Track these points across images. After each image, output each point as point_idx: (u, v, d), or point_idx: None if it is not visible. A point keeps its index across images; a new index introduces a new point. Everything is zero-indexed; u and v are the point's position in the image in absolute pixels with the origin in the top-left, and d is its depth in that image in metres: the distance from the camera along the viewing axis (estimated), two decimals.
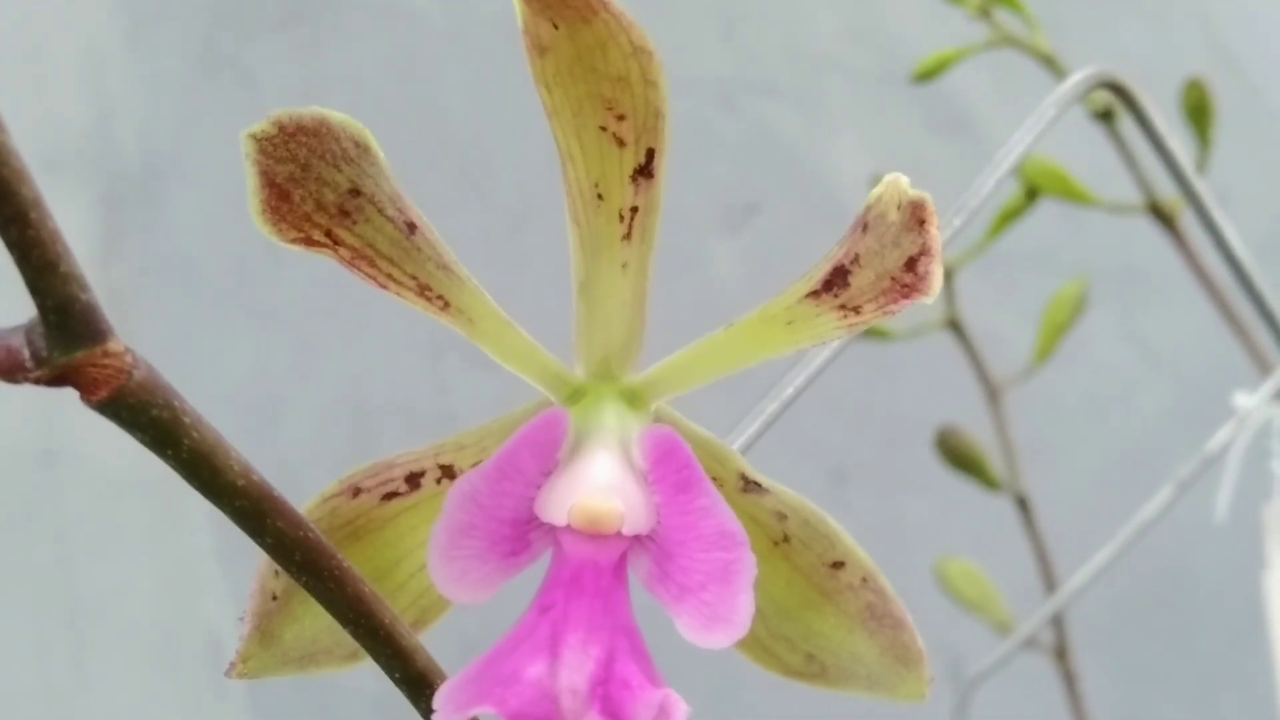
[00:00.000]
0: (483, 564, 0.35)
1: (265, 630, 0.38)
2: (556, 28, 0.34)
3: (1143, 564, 1.00)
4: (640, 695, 0.33)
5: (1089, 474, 1.44)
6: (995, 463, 0.96)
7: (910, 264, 0.33)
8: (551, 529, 0.35)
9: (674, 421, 0.38)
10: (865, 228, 0.34)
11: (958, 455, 0.94)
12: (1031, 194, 0.93)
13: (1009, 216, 0.94)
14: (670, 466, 0.35)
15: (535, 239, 1.29)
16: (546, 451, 0.36)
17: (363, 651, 0.36)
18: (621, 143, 0.35)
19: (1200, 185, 0.62)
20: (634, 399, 0.38)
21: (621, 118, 0.35)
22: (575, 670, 0.33)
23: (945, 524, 1.34)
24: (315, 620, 0.38)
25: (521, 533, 0.35)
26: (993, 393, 0.97)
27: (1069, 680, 0.95)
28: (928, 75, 0.89)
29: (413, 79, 1.32)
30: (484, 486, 0.34)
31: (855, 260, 0.34)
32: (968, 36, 0.92)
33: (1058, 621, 0.94)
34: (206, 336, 1.24)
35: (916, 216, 0.33)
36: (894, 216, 0.33)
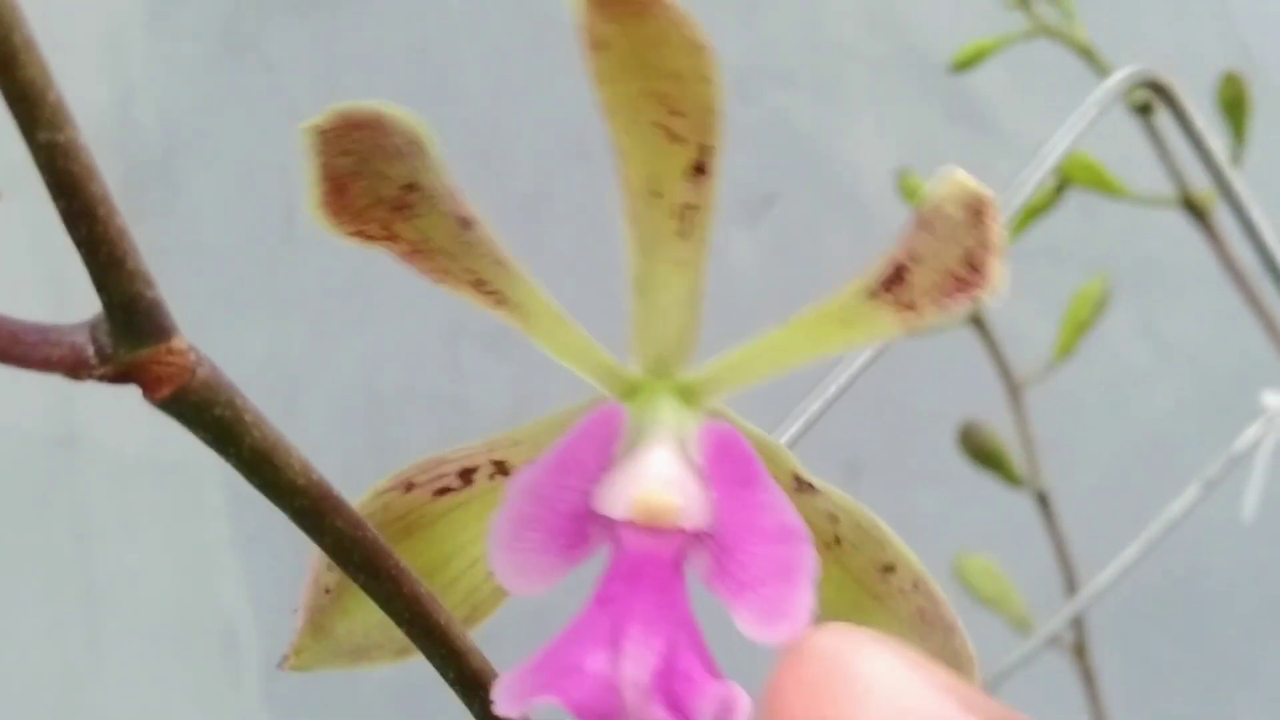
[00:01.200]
0: (543, 556, 0.34)
1: (318, 624, 0.38)
2: (613, 23, 0.34)
3: (1161, 561, 1.00)
4: (703, 688, 0.33)
5: (1106, 469, 1.44)
6: (1016, 458, 0.96)
7: (971, 261, 0.33)
8: (610, 523, 0.35)
9: (729, 419, 0.38)
10: (924, 225, 0.33)
11: (981, 451, 0.94)
12: (1061, 187, 0.93)
13: (1037, 210, 0.93)
14: (729, 462, 0.35)
15: (553, 224, 1.29)
16: (604, 445, 0.35)
17: (412, 648, 0.36)
18: (677, 139, 0.35)
19: (1238, 180, 0.61)
20: (689, 396, 0.37)
21: (677, 114, 0.35)
22: (638, 663, 0.33)
23: (960, 518, 1.34)
24: (368, 615, 0.38)
25: (580, 526, 0.35)
26: (1014, 390, 0.97)
27: (1088, 678, 0.95)
28: (965, 65, 0.89)
29: (432, 63, 1.32)
30: (545, 479, 0.34)
31: (914, 258, 0.34)
32: (990, 25, 0.92)
33: (1077, 619, 0.94)
34: (223, 320, 1.24)
35: (976, 211, 0.32)
36: (954, 213, 0.33)
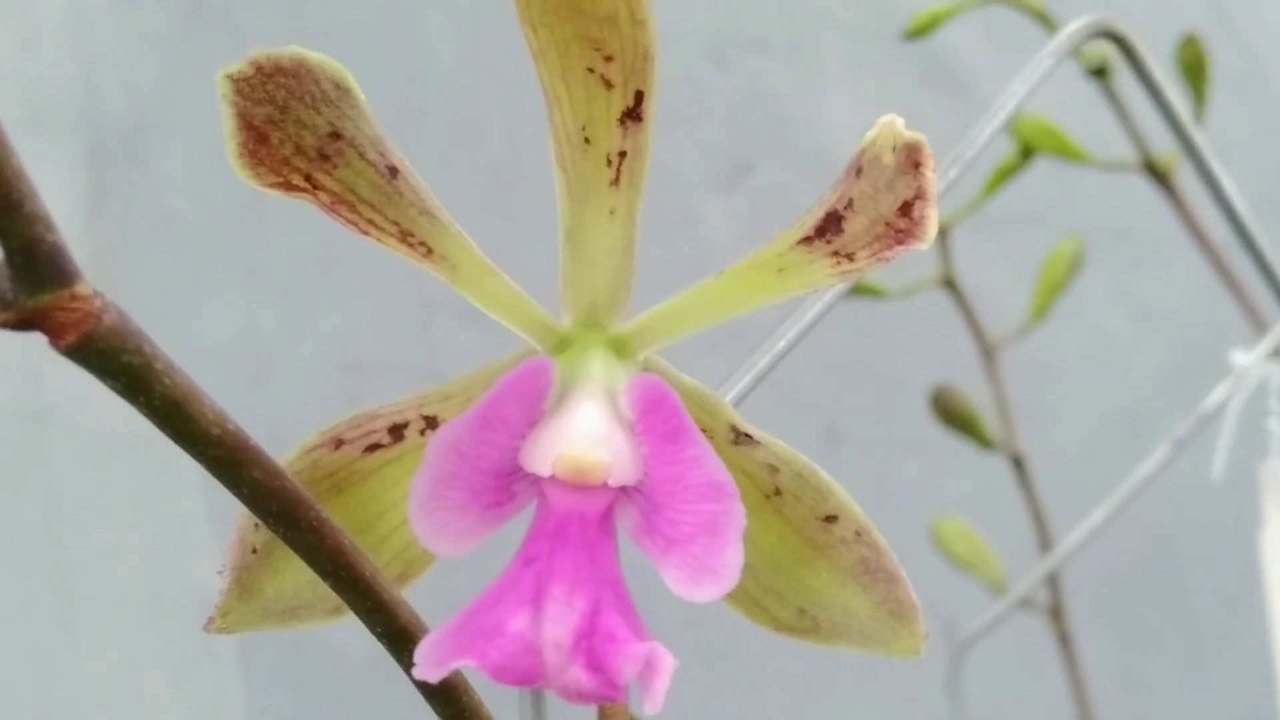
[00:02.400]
0: (465, 515, 0.34)
1: (245, 584, 0.37)
2: None
3: (1137, 525, 1.00)
4: (625, 648, 0.32)
5: (1083, 434, 1.43)
6: (990, 422, 0.96)
7: (905, 208, 0.32)
8: (536, 480, 0.34)
9: (663, 371, 0.37)
10: (859, 171, 0.33)
11: (952, 414, 0.94)
12: (1026, 152, 0.92)
13: (1004, 175, 0.93)
14: (658, 416, 0.34)
15: (525, 195, 1.28)
16: (532, 401, 0.35)
17: (344, 607, 0.35)
18: (609, 85, 0.34)
19: (1199, 138, 0.61)
20: (622, 348, 0.37)
21: (609, 59, 0.34)
22: (559, 623, 0.32)
23: (939, 484, 1.34)
24: (297, 574, 0.37)
25: (505, 484, 0.34)
26: (988, 352, 0.96)
27: (1064, 640, 0.94)
28: (921, 31, 0.88)
29: (401, 33, 1.31)
30: (467, 436, 0.34)
31: (849, 205, 0.33)
32: None
33: (1053, 582, 0.93)
34: (194, 295, 1.23)
35: (912, 159, 0.32)
36: (889, 160, 0.32)
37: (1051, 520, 0.96)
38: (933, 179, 0.32)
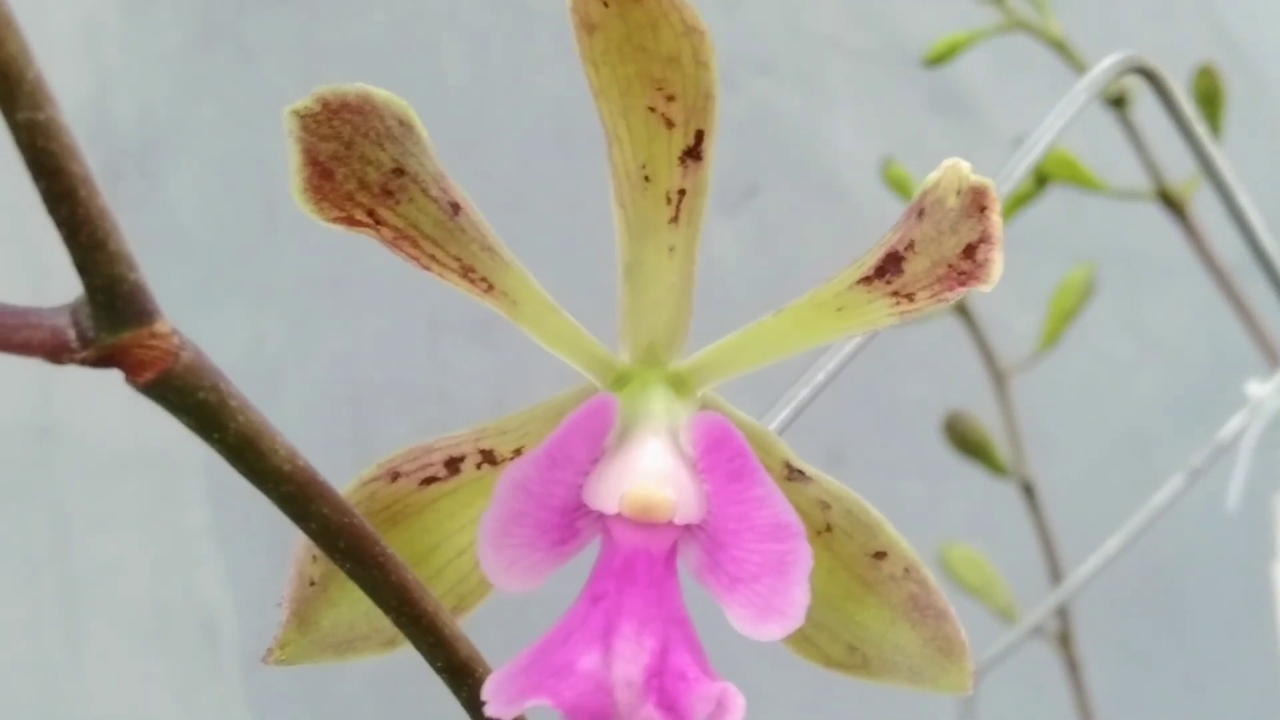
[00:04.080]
0: (532, 552, 0.34)
1: (303, 616, 0.37)
2: (606, 5, 0.33)
3: (1142, 551, 1.00)
4: (697, 688, 0.32)
5: (1088, 459, 1.44)
6: (1000, 448, 0.96)
7: (969, 251, 0.33)
8: (601, 517, 0.34)
9: (720, 408, 0.37)
10: (922, 213, 0.33)
11: (966, 441, 0.94)
12: (1042, 180, 0.93)
13: (1019, 202, 0.93)
14: (722, 455, 0.34)
15: (535, 214, 1.29)
16: (595, 438, 0.35)
17: (400, 638, 0.35)
18: (670, 124, 0.35)
19: (1226, 169, 0.61)
20: (681, 385, 0.37)
21: (671, 98, 0.34)
22: (630, 662, 0.32)
23: (944, 508, 1.34)
24: (353, 606, 0.37)
25: (570, 520, 0.34)
26: (999, 378, 0.96)
27: (1072, 668, 0.94)
28: (939, 59, 0.89)
29: (412, 53, 1.31)
30: (534, 474, 0.34)
31: (910, 246, 0.33)
32: (970, 16, 0.92)
33: (1062, 609, 0.93)
34: (203, 312, 1.23)
35: (978, 203, 0.32)
36: (953, 202, 0.32)
37: (1059, 545, 0.96)
38: (999, 223, 0.32)
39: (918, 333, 1.04)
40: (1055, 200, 1.05)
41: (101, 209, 0.27)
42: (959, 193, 0.32)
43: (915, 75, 1.43)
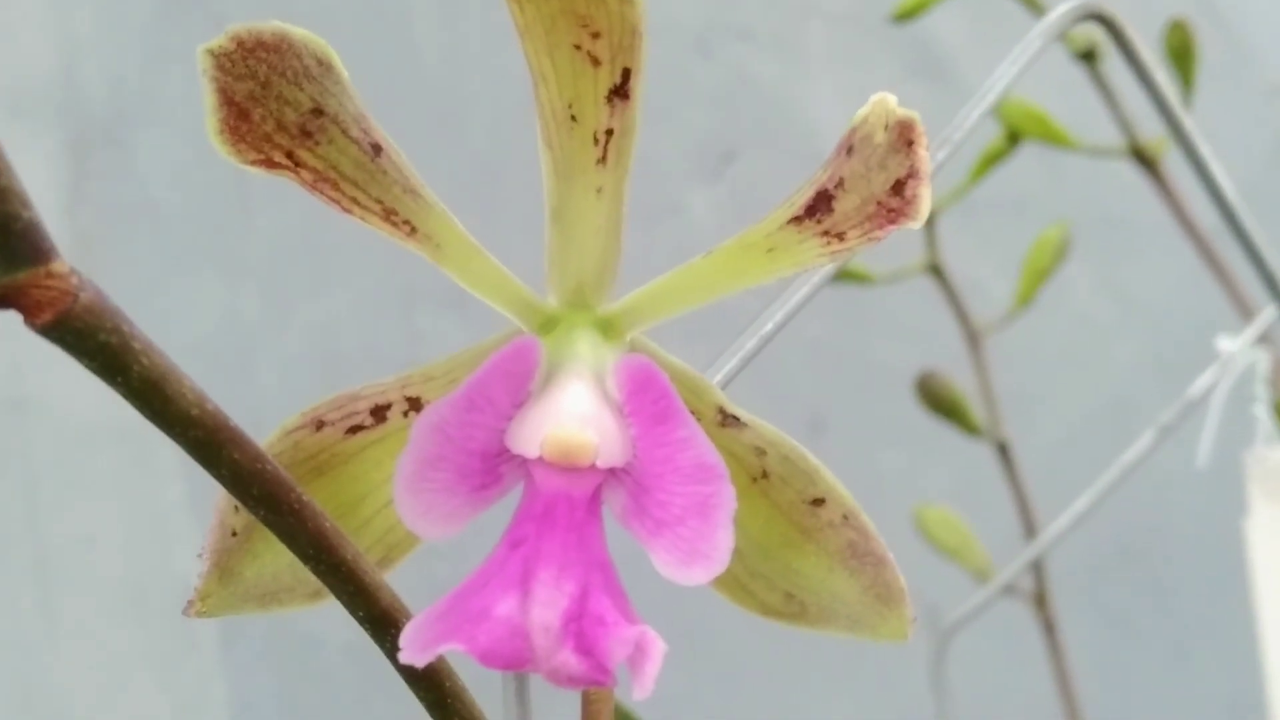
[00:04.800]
0: (451, 497, 0.33)
1: (225, 567, 0.37)
2: None
3: (1120, 512, 0.99)
4: (615, 632, 0.32)
5: (1067, 422, 1.43)
6: (976, 409, 0.95)
7: (897, 187, 0.32)
8: (523, 462, 0.34)
9: (650, 352, 0.37)
10: (850, 150, 0.32)
11: (938, 400, 0.93)
12: (1013, 138, 0.92)
13: (991, 160, 0.93)
14: (647, 397, 0.34)
15: (509, 186, 1.28)
16: (518, 382, 0.34)
17: (325, 591, 0.35)
18: (596, 62, 0.34)
19: (1188, 122, 0.60)
20: (609, 329, 0.36)
21: (596, 35, 0.34)
22: (548, 607, 0.32)
23: (924, 473, 1.34)
24: (277, 558, 0.37)
25: (491, 465, 0.34)
26: (973, 338, 0.96)
27: (1048, 628, 0.94)
28: (908, 15, 0.88)
29: (387, 22, 1.30)
30: (452, 417, 0.33)
31: (839, 184, 0.33)
32: None
33: (1037, 569, 0.93)
34: (176, 284, 1.22)
35: (905, 137, 0.31)
36: (881, 138, 0.32)
37: (1036, 508, 0.96)
38: (926, 157, 0.31)
39: (895, 297, 1.03)
40: (1033, 163, 1.04)
41: None
42: (886, 127, 0.31)
43: (894, 40, 1.43)
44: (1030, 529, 0.94)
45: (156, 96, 1.23)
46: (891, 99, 0.32)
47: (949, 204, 0.93)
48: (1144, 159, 0.90)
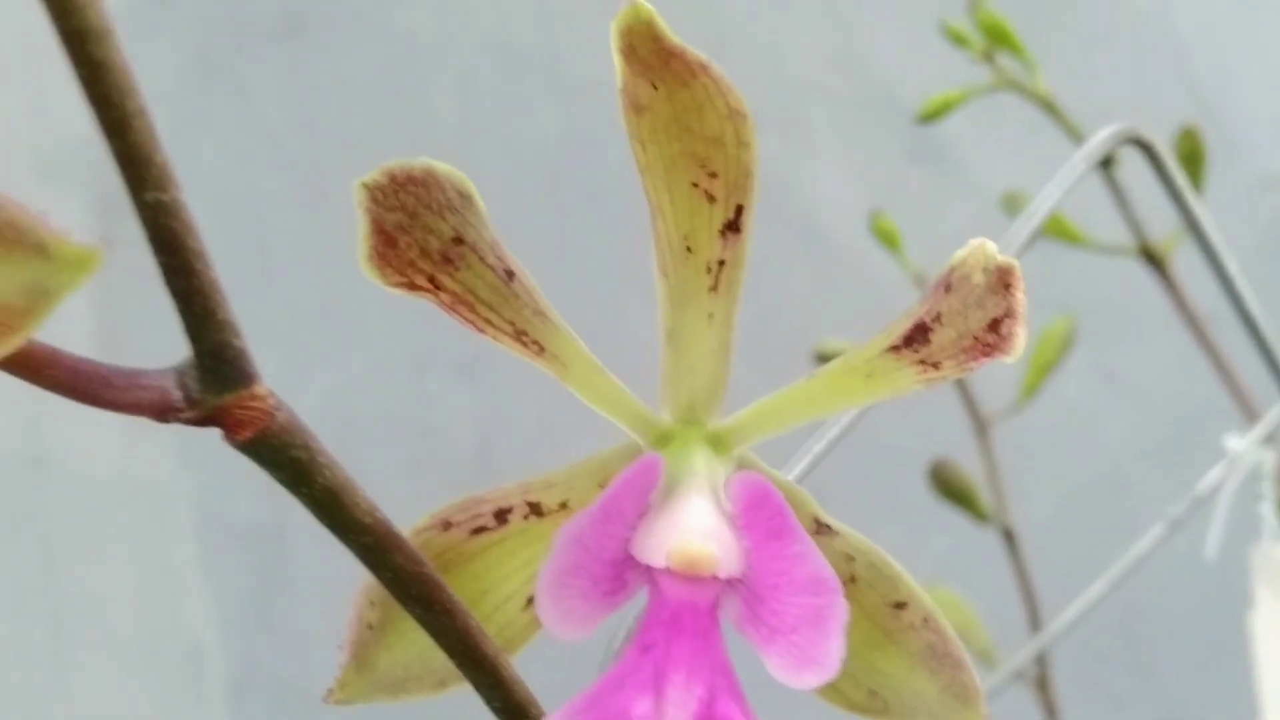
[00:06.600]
0: (585, 602, 0.36)
1: (362, 658, 0.39)
2: (656, 88, 0.36)
3: (1122, 596, 1.02)
4: None
5: (1060, 505, 1.46)
6: (982, 494, 0.98)
7: (994, 325, 0.35)
8: (649, 570, 0.36)
9: (756, 466, 0.39)
10: (948, 288, 0.35)
11: (950, 487, 0.96)
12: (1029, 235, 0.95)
13: None
14: (762, 513, 0.37)
15: (521, 254, 1.30)
16: (642, 494, 0.37)
17: (450, 679, 0.38)
18: (712, 199, 0.37)
19: (1214, 233, 0.64)
20: (718, 443, 0.39)
21: (713, 175, 0.36)
22: (680, 708, 0.34)
23: (923, 551, 1.36)
24: (407, 649, 0.39)
25: (619, 572, 0.36)
26: (981, 426, 0.99)
27: (1050, 712, 0.97)
28: (931, 117, 0.91)
29: (404, 94, 1.34)
30: (589, 529, 0.36)
31: (937, 319, 0.35)
32: (951, 66, 0.94)
33: (1041, 654, 0.95)
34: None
35: (1004, 280, 0.34)
36: (979, 279, 0.34)
37: (1039, 592, 0.99)
38: (1023, 300, 0.34)
39: None
40: (1031, 250, 1.07)
41: (213, 281, 0.29)
42: (985, 270, 0.34)
43: (894, 124, 1.46)
44: (1034, 614, 0.97)
45: (181, 163, 1.25)
46: (991, 245, 0.34)
47: None
48: (1153, 258, 0.94)
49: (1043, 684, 0.96)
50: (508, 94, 1.34)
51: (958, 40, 0.90)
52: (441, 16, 1.35)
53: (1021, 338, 0.35)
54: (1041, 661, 0.96)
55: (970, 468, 0.99)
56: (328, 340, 1.28)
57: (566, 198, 1.30)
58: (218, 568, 1.23)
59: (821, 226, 1.43)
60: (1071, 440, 1.50)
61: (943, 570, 1.16)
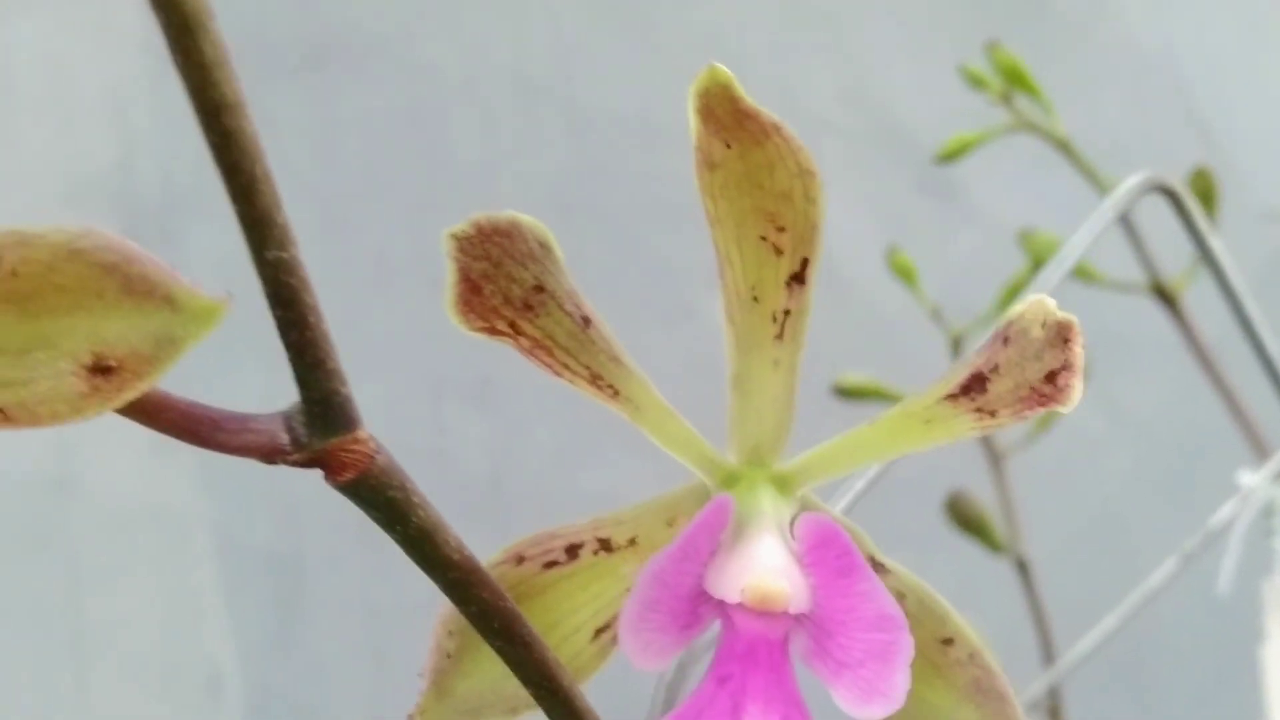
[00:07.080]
0: (663, 635, 0.38)
1: (441, 686, 0.41)
2: (729, 146, 0.37)
3: (1133, 628, 1.03)
4: None
5: (1065, 537, 1.47)
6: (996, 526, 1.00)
7: (1051, 377, 0.36)
8: (722, 605, 0.38)
9: (818, 507, 0.41)
10: (1006, 340, 0.37)
11: (966, 519, 0.98)
12: (1038, 268, 0.97)
13: (1016, 290, 0.98)
14: (830, 552, 0.38)
15: None
16: (714, 533, 0.39)
17: (521, 707, 0.40)
18: (779, 252, 0.39)
19: (1235, 275, 0.65)
20: (782, 485, 0.41)
21: (781, 230, 0.38)
22: None
23: (933, 581, 1.37)
24: (482, 677, 0.41)
25: (694, 607, 0.38)
26: (995, 458, 1.01)
27: None
28: (950, 158, 0.93)
29: (426, 128, 1.35)
30: (670, 566, 0.38)
31: (995, 369, 0.37)
32: (961, 98, 0.96)
33: (1053, 685, 0.97)
34: (217, 372, 1.25)
35: (1063, 335, 0.35)
36: (1037, 333, 0.36)
37: (1052, 624, 1.00)
38: (1081, 354, 0.36)
39: None
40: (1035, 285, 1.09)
41: (325, 333, 0.31)
42: (1044, 325, 0.36)
43: (904, 158, 1.48)
44: (1047, 645, 0.99)
45: (205, 193, 1.27)
46: (1050, 301, 0.36)
47: (975, 330, 0.98)
48: (1165, 296, 0.95)
49: (1055, 715, 0.97)
50: (527, 130, 1.36)
51: (976, 83, 0.92)
52: (461, 50, 1.37)
53: (1078, 389, 0.36)
54: (1054, 693, 0.97)
55: (983, 499, 1.01)
56: (346, 367, 1.30)
57: (582, 231, 1.32)
58: (237, 594, 1.25)
59: (832, 261, 1.44)
60: (1077, 472, 1.52)
61: (955, 602, 1.18)
